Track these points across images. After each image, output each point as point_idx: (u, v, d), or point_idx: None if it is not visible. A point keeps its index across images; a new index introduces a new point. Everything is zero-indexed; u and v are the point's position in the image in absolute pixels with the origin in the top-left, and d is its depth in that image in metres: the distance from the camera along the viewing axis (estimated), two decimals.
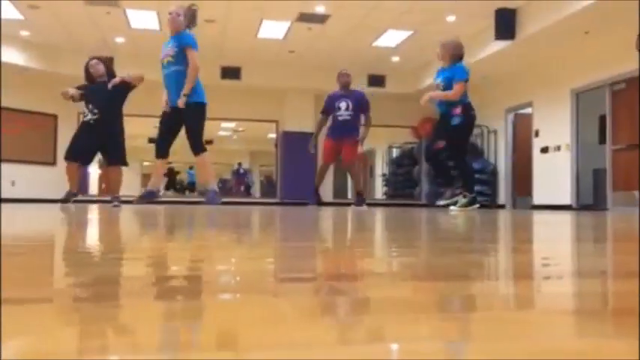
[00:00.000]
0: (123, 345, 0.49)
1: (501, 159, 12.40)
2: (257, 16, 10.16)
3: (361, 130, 7.34)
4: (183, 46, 5.21)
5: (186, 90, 5.16)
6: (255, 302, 0.71)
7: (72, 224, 2.93)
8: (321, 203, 7.83)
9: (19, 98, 12.09)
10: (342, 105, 7.06)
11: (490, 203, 12.20)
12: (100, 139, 6.08)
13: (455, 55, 6.13)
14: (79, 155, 6.22)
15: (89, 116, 6.11)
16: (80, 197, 6.87)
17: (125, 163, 6.31)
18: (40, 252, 1.48)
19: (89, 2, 9.48)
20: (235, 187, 21.64)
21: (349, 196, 16.90)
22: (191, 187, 21.32)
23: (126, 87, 6.11)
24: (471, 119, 6.21)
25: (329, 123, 7.30)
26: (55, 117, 12.60)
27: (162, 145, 5.59)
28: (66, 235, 2.24)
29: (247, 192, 21.70)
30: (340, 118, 7.09)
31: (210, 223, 3.18)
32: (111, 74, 6.23)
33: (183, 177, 22.31)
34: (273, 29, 10.82)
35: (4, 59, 11.31)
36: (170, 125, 5.51)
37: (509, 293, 0.84)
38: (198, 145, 5.38)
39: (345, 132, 7.05)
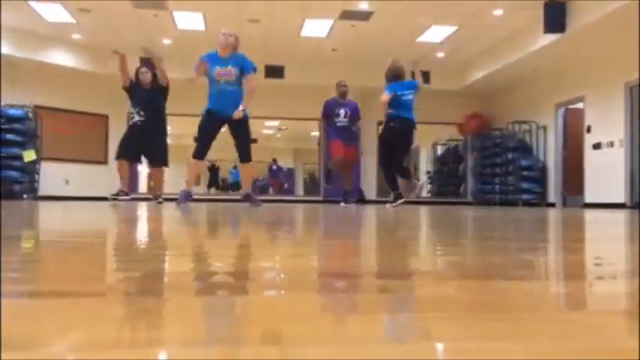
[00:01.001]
0: (171, 338, 0.50)
1: (551, 156, 12.04)
2: (300, 15, 10.20)
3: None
4: (246, 72, 5.79)
5: (246, 105, 5.75)
6: (299, 299, 0.72)
7: (122, 221, 3.02)
8: (364, 201, 7.90)
9: (71, 99, 12.52)
10: (341, 112, 7.75)
11: (539, 201, 11.88)
12: (146, 139, 6.62)
13: (388, 73, 7.00)
14: (128, 154, 6.70)
15: (136, 118, 6.72)
16: (131, 195, 7.19)
17: (166, 164, 6.91)
18: (92, 248, 1.53)
19: (137, 5, 9.74)
20: (271, 185, 20.54)
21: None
22: (233, 186, 20.89)
23: (163, 90, 6.76)
24: (387, 130, 6.91)
25: (329, 128, 8.00)
26: (106, 117, 12.99)
27: (205, 147, 5.99)
28: (116, 232, 2.31)
29: (282, 189, 20.42)
30: (339, 124, 7.74)
31: (251, 220, 3.22)
32: (155, 82, 6.81)
33: (225, 175, 21.93)
34: (316, 27, 10.84)
35: (58, 62, 11.76)
36: (213, 131, 5.91)
37: (560, 293, 0.82)
38: (249, 155, 5.93)
39: (347, 137, 7.76)
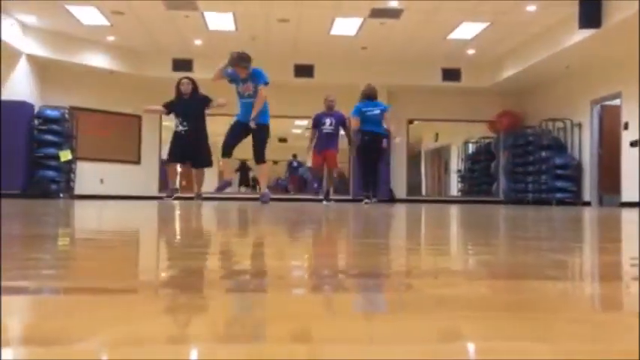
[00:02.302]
0: (201, 334, 0.50)
1: (586, 154, 11.75)
2: (330, 14, 10.19)
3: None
4: (260, 84, 6.59)
5: (253, 114, 6.50)
6: (327, 298, 0.72)
7: (156, 220, 3.07)
8: (394, 200, 8.25)
9: (106, 100, 12.77)
10: (327, 121, 8.94)
11: (574, 200, 11.61)
12: (191, 146, 7.35)
13: (361, 94, 8.36)
14: (177, 159, 7.68)
15: (180, 127, 7.43)
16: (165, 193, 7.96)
17: (210, 165, 7.71)
18: (125, 246, 1.56)
19: (169, 6, 9.87)
20: (291, 183, 19.32)
21: (423, 192, 16.68)
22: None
23: (206, 104, 7.45)
24: (360, 143, 8.38)
25: (316, 137, 9.02)
26: (139, 118, 13.20)
27: (229, 146, 6.80)
28: (150, 230, 2.35)
29: (302, 187, 18.45)
30: (325, 131, 8.92)
31: (279, 220, 3.23)
32: (196, 92, 7.47)
33: (256, 174, 21.46)
34: (346, 26, 10.80)
35: (93, 64, 12.02)
36: (237, 134, 6.77)
37: (595, 294, 0.80)
38: (261, 157, 6.72)
39: (328, 144, 8.88)
